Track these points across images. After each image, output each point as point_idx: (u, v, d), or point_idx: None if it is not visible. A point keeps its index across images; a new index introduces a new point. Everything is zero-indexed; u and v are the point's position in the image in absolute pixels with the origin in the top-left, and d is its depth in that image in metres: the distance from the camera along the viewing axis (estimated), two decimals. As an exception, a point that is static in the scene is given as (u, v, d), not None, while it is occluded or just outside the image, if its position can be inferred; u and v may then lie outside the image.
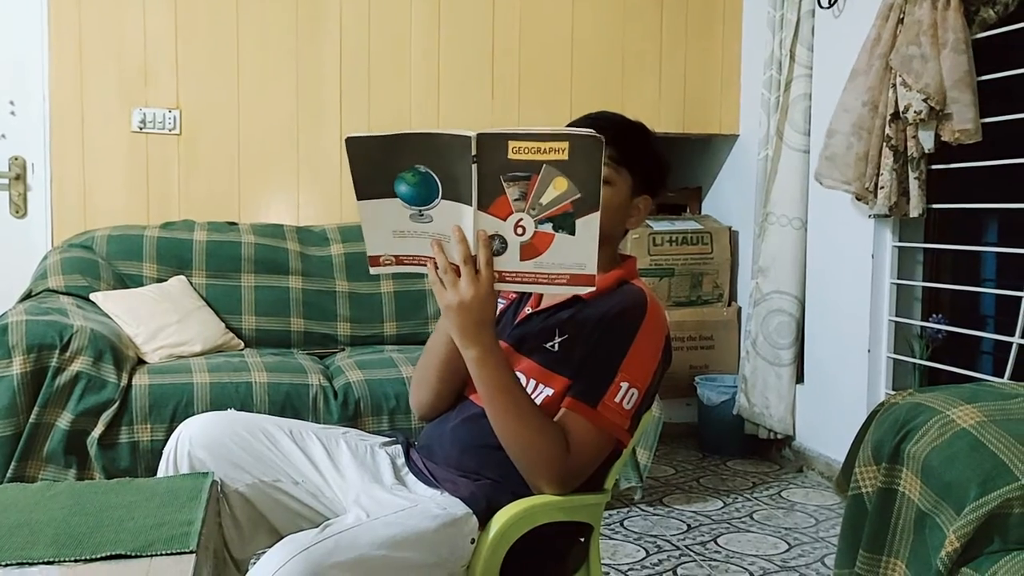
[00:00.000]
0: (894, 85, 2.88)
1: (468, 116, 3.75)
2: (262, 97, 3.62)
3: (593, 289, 1.30)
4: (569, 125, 1.48)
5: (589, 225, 1.25)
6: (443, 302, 1.33)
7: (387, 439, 1.68)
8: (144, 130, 3.53)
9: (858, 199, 3.09)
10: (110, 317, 2.88)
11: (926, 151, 2.88)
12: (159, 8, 3.51)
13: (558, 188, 1.24)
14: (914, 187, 2.93)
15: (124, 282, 3.17)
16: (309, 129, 3.68)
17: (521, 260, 1.29)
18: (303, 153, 3.68)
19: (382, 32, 3.72)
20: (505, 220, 1.27)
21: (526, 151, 1.23)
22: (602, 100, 3.45)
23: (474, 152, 1.22)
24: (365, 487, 1.52)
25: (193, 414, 2.55)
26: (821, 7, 3.42)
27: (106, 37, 3.48)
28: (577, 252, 1.27)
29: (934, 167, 2.97)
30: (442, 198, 1.27)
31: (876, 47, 2.94)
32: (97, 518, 1.28)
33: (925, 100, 2.76)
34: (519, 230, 1.27)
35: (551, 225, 1.26)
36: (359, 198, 1.30)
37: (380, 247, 1.33)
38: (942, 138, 2.81)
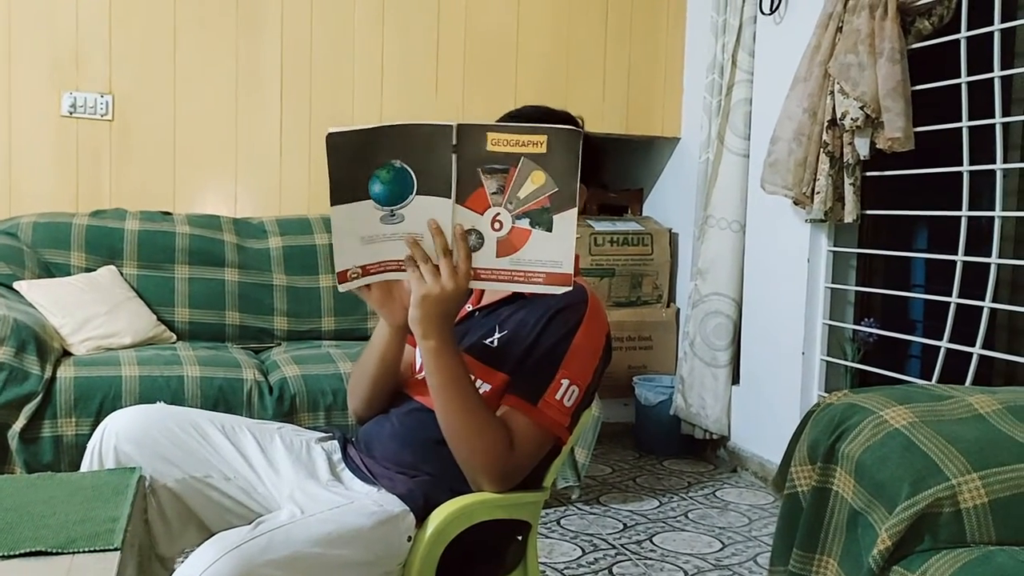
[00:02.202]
0: (832, 92, 2.93)
1: (411, 111, 3.71)
2: (200, 84, 3.54)
3: (570, 288, 1.29)
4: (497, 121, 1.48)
5: (566, 221, 1.25)
6: (420, 292, 1.31)
7: (323, 435, 1.65)
8: (74, 115, 3.42)
9: (796, 204, 3.14)
10: (35, 307, 2.78)
11: (861, 158, 2.94)
12: (93, -11, 3.40)
13: (536, 182, 1.24)
14: (849, 193, 2.99)
15: (50, 271, 3.06)
16: (248, 119, 3.60)
17: (497, 257, 1.28)
18: (242, 143, 3.61)
19: (325, 22, 3.66)
20: (482, 214, 1.26)
21: (505, 143, 1.23)
22: (546, 99, 3.43)
23: (454, 142, 1.21)
24: (300, 483, 1.48)
25: (121, 408, 2.49)
26: (763, 14, 3.47)
27: (36, 16, 3.36)
28: (554, 249, 1.27)
29: (869, 174, 3.03)
30: (416, 193, 1.26)
31: (816, 55, 2.99)
32: (17, 513, 1.22)
33: (861, 108, 2.81)
34: (496, 225, 1.26)
35: (528, 221, 1.26)
36: (333, 203, 1.27)
37: (348, 258, 1.31)
38: (877, 146, 2.87)
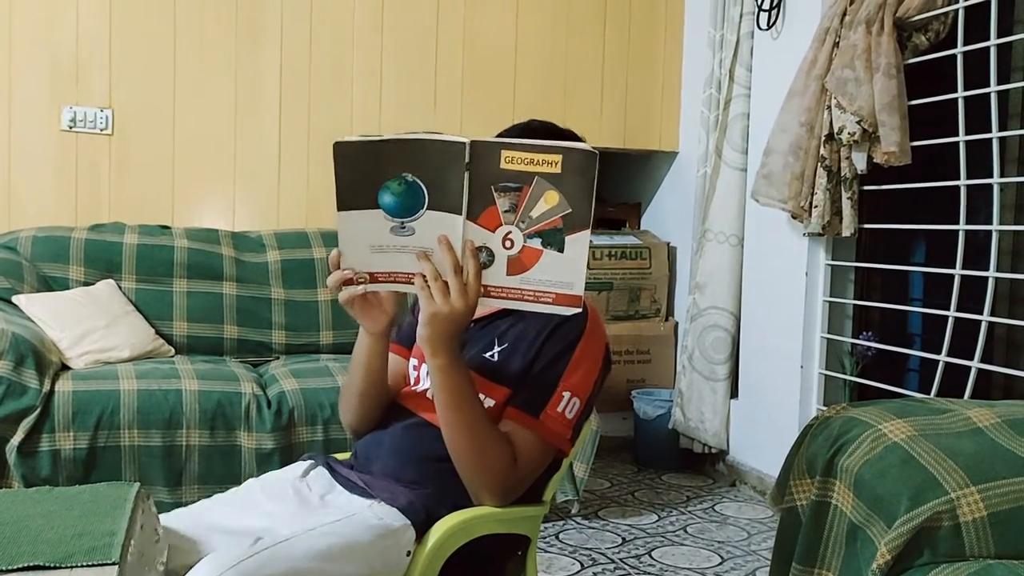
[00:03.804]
0: (829, 107, 2.95)
1: (409, 127, 3.72)
2: (199, 99, 3.55)
3: (579, 311, 1.28)
4: (499, 135, 1.47)
5: (579, 243, 1.24)
6: (429, 310, 1.28)
7: (305, 466, 1.59)
8: (74, 129, 3.43)
9: (794, 217, 3.15)
10: (33, 321, 2.78)
11: (859, 172, 2.95)
12: (93, 2, 3.41)
13: (549, 202, 1.22)
14: (847, 207, 3.00)
15: (49, 285, 3.06)
16: (247, 133, 3.61)
17: (508, 275, 1.26)
18: (240, 157, 3.61)
19: (323, 37, 3.68)
20: (494, 232, 1.24)
21: (519, 161, 1.21)
22: (544, 114, 3.44)
23: (467, 159, 1.20)
24: (295, 513, 1.45)
25: (119, 422, 2.49)
26: (760, 29, 3.48)
27: (37, 31, 3.37)
28: (565, 271, 1.25)
29: (866, 188, 3.04)
30: (427, 208, 1.24)
31: (813, 69, 3.00)
32: (14, 528, 1.22)
33: (858, 122, 2.83)
34: (507, 243, 1.25)
35: (540, 240, 1.24)
36: (340, 208, 1.26)
37: (355, 263, 1.30)
38: (874, 160, 2.88)
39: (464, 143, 1.20)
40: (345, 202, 1.26)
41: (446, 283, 1.27)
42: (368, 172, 1.24)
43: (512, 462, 1.39)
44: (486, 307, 1.55)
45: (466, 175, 1.21)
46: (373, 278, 1.31)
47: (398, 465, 1.49)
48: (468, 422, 1.37)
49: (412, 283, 1.29)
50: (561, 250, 1.24)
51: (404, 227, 1.26)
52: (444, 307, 1.27)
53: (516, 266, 1.26)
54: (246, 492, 1.53)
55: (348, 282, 1.31)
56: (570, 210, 1.23)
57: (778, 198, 3.09)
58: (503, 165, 1.21)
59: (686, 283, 3.92)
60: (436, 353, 1.34)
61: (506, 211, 1.23)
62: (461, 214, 1.23)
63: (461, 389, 1.37)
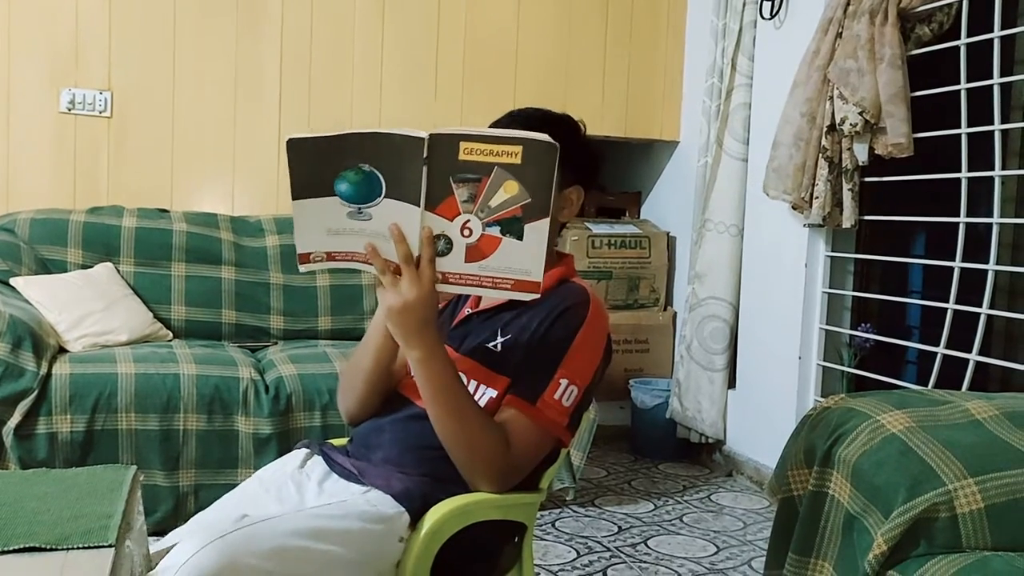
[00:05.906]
0: (831, 97, 2.93)
1: (410, 115, 3.71)
2: (199, 82, 3.54)
3: (538, 297, 1.27)
4: (492, 124, 1.47)
5: (538, 231, 1.23)
6: (384, 303, 1.28)
7: (302, 456, 1.59)
8: (73, 111, 3.41)
9: (795, 208, 3.14)
10: (31, 303, 2.78)
11: (860, 163, 2.94)
12: (93, -14, 3.40)
13: (508, 191, 1.22)
14: (847, 198, 2.99)
15: (47, 267, 3.06)
16: (247, 116, 3.60)
17: (466, 262, 1.26)
18: (240, 141, 3.60)
19: (325, 21, 3.66)
20: (452, 221, 1.24)
21: (478, 152, 1.20)
22: (545, 102, 3.41)
23: (426, 154, 1.19)
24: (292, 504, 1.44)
25: (116, 405, 2.49)
26: (763, 18, 3.47)
27: (36, 13, 3.35)
28: (524, 258, 1.25)
29: (867, 179, 3.03)
30: (385, 197, 1.24)
31: (815, 60, 2.99)
32: (11, 509, 1.22)
33: (861, 113, 2.82)
34: (465, 232, 1.25)
35: (499, 229, 1.24)
36: (295, 198, 1.26)
37: (312, 245, 1.29)
38: (876, 151, 2.87)
39: (422, 138, 1.19)
40: (299, 192, 1.26)
41: (397, 274, 1.26)
42: (324, 165, 1.24)
43: (504, 448, 1.39)
44: (492, 299, 1.54)
45: (424, 169, 1.20)
46: (330, 256, 1.31)
47: (399, 454, 1.48)
48: (454, 411, 1.37)
49: (370, 263, 1.29)
50: (520, 238, 1.24)
51: (362, 212, 1.26)
52: (396, 299, 1.27)
53: (474, 253, 1.26)
54: (247, 492, 1.51)
55: (304, 259, 1.30)
56: (530, 199, 1.22)
57: (784, 190, 3.08)
58: (462, 156, 1.20)
59: (685, 273, 3.91)
60: (409, 345, 1.33)
61: (464, 201, 1.23)
62: (419, 205, 1.23)
63: (443, 380, 1.36)
